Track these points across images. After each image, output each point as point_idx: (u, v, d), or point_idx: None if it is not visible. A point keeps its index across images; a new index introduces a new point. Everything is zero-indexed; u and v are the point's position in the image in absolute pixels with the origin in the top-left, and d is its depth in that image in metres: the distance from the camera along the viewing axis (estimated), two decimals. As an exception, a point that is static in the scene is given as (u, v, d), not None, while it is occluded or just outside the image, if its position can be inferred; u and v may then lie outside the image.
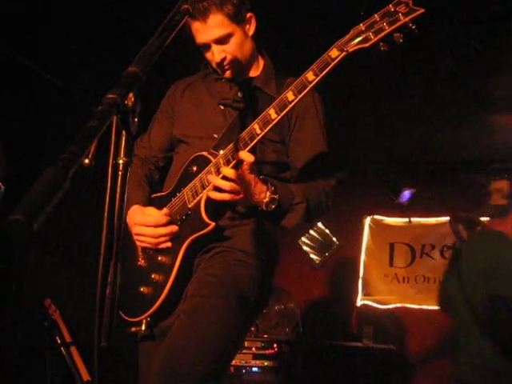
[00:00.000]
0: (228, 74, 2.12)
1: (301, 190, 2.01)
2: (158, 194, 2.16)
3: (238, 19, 2.02)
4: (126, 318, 2.02)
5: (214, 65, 2.11)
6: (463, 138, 5.73)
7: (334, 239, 6.67)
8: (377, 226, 6.63)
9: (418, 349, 5.93)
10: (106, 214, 0.91)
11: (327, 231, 6.65)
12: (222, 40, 2.02)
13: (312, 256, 6.72)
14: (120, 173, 0.96)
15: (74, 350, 4.45)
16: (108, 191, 0.93)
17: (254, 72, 2.20)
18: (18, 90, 4.60)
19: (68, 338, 4.50)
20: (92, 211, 2.69)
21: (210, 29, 1.99)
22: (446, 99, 5.06)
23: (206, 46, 2.06)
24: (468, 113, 5.28)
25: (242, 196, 1.84)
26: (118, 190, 0.93)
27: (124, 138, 0.97)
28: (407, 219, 6.50)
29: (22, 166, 4.57)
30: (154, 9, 3.77)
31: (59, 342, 4.52)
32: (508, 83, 4.66)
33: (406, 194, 6.29)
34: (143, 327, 1.96)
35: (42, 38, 4.21)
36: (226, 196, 1.85)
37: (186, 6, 1.31)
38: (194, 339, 1.81)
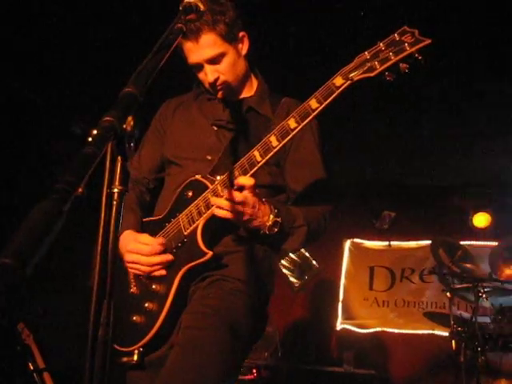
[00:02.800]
0: (221, 94, 2.07)
1: (302, 213, 1.95)
2: (151, 219, 2.07)
3: (230, 38, 1.99)
4: (117, 347, 1.93)
5: (207, 85, 2.06)
6: (444, 162, 5.79)
7: (314, 262, 6.62)
8: (357, 250, 6.61)
9: (398, 373, 5.88)
10: (99, 248, 0.83)
11: (307, 254, 6.60)
12: (215, 60, 1.98)
13: (291, 279, 6.66)
14: (115, 202, 0.89)
15: (47, 376, 4.30)
16: (102, 223, 0.86)
17: (248, 92, 2.16)
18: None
19: (41, 364, 4.35)
20: (71, 235, 2.61)
21: (202, 48, 1.95)
22: (428, 125, 5.12)
23: (199, 66, 2.02)
24: (450, 139, 5.34)
25: (246, 218, 1.78)
26: (113, 221, 0.86)
27: (119, 165, 0.90)
28: (387, 243, 6.51)
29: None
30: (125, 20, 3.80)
31: (32, 368, 4.36)
32: (491, 112, 4.74)
33: None
34: (135, 357, 1.88)
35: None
36: (230, 214, 1.78)
37: (179, 25, 1.28)
38: (191, 374, 1.73)
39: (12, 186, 5.05)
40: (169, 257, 1.89)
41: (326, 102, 1.70)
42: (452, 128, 5.15)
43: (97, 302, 0.80)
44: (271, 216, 1.81)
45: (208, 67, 1.99)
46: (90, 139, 0.82)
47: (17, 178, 5.09)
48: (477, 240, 6.04)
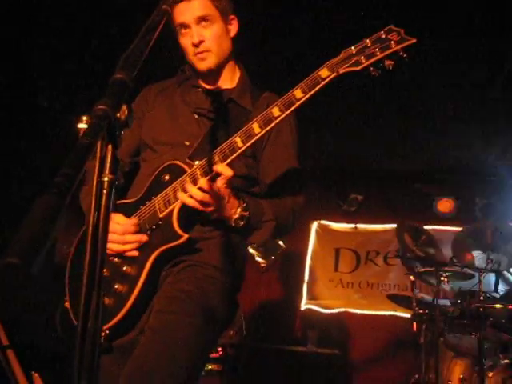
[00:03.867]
0: (201, 62, 2.05)
1: (271, 208, 1.98)
2: (125, 201, 2.04)
3: (222, 11, 2.02)
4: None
5: (190, 50, 2.03)
6: (412, 147, 5.87)
7: (280, 243, 6.67)
8: (323, 231, 6.69)
9: (361, 353, 6.02)
10: (89, 238, 0.82)
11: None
12: (204, 21, 1.99)
13: (258, 259, 6.70)
14: (105, 191, 0.88)
15: (10, 353, 4.24)
16: (92, 212, 0.85)
17: (230, 83, 2.16)
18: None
19: (5, 341, 4.27)
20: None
21: (193, 8, 1.97)
22: (396, 110, 5.17)
23: (185, 28, 2.01)
24: (417, 124, 5.41)
25: (212, 209, 1.80)
26: (103, 209, 0.85)
27: (110, 153, 0.89)
28: (353, 225, 6.60)
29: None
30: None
31: (-5, 344, 4.30)
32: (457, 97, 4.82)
33: None
34: (101, 340, 1.86)
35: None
36: (197, 205, 1.79)
37: (165, 7, 1.25)
38: (164, 358, 1.74)
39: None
40: (143, 237, 1.88)
41: (311, 93, 1.73)
42: (419, 113, 5.23)
43: (86, 292, 0.79)
44: (239, 209, 1.84)
45: (195, 28, 1.99)
46: (83, 129, 0.80)
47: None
48: (441, 225, 6.18)
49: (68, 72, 4.66)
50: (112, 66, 1.04)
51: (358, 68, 1.71)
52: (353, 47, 1.73)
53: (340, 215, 6.63)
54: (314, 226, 6.71)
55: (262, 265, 6.67)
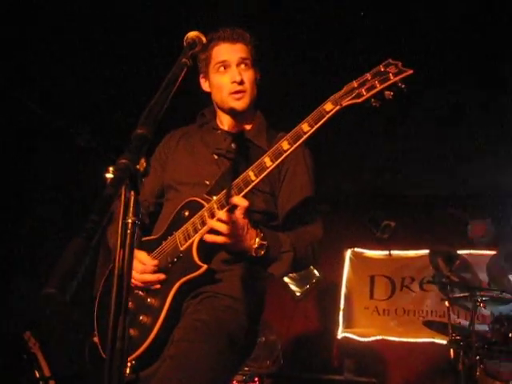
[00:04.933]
0: (237, 102, 2.17)
1: (289, 239, 2.05)
2: (149, 238, 2.16)
3: (255, 62, 2.20)
4: None
5: (228, 88, 2.16)
6: (443, 172, 5.87)
7: (315, 271, 6.70)
8: (357, 259, 6.70)
9: (398, 381, 5.95)
10: (116, 271, 0.95)
11: (308, 263, 6.67)
12: (243, 64, 2.15)
13: (293, 288, 6.74)
14: (129, 231, 1.01)
15: (52, 384, 4.39)
16: (118, 249, 0.98)
17: (248, 124, 2.29)
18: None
19: (47, 373, 4.44)
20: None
21: (237, 50, 2.16)
22: (428, 135, 5.21)
23: (226, 67, 2.15)
24: (448, 149, 5.43)
25: (233, 240, 1.89)
26: (127, 248, 0.98)
27: (133, 199, 1.02)
28: (387, 252, 6.59)
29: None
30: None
31: (38, 376, 4.46)
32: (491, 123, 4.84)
33: None
34: (127, 370, 1.92)
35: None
36: (219, 239, 1.89)
37: (184, 60, 1.39)
38: None
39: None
40: (161, 276, 1.98)
41: (317, 126, 1.83)
42: (450, 138, 5.25)
43: (114, 318, 0.91)
44: (257, 239, 1.93)
45: (237, 68, 2.15)
46: (108, 179, 0.94)
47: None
48: (475, 249, 6.12)
49: (104, 112, 4.90)
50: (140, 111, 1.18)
51: (360, 100, 1.80)
52: (354, 81, 1.83)
53: (373, 242, 6.64)
54: (348, 253, 6.73)
55: (297, 293, 6.70)
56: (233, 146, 2.20)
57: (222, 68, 2.16)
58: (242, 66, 2.15)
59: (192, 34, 1.57)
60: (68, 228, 5.00)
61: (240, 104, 2.17)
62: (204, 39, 1.58)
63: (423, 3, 3.53)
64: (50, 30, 3.79)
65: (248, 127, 2.28)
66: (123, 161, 1.02)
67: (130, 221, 1.03)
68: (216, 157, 2.21)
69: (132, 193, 1.02)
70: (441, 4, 3.52)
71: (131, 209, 1.02)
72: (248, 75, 2.16)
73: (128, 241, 0.99)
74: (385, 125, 4.93)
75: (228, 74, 2.15)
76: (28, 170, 5.23)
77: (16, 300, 4.83)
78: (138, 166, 1.03)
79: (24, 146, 5.06)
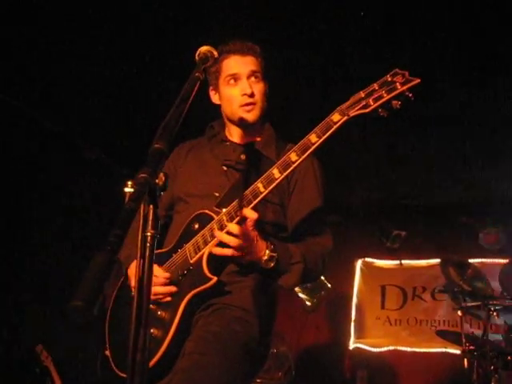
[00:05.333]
0: (248, 114, 2.18)
1: (299, 251, 2.05)
2: (160, 251, 2.16)
3: (264, 74, 2.21)
4: (122, 374, 2.00)
5: (238, 100, 2.17)
6: (453, 181, 5.86)
7: (326, 283, 6.68)
8: (368, 269, 6.67)
9: (411, 392, 5.90)
10: (137, 284, 0.97)
11: (319, 274, 6.65)
12: (253, 77, 2.17)
13: (302, 296, 6.72)
14: (148, 244, 1.03)
15: (64, 395, 4.40)
16: (138, 262, 1.00)
17: (258, 136, 2.30)
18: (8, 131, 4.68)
19: (58, 383, 4.45)
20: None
21: (247, 62, 2.17)
22: (437, 144, 5.21)
23: (236, 80, 2.17)
24: (459, 157, 5.43)
25: (242, 252, 1.90)
26: (147, 260, 1.00)
27: (151, 212, 1.04)
28: (398, 262, 6.56)
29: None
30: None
31: (50, 389, 4.47)
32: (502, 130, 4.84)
33: None
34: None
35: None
36: (228, 252, 1.90)
37: (197, 74, 1.41)
38: None
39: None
40: (172, 288, 1.99)
41: (325, 137, 1.84)
42: (461, 146, 5.25)
43: (135, 330, 0.93)
44: (267, 251, 1.93)
45: (248, 81, 2.16)
46: (128, 193, 0.96)
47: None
48: (487, 258, 6.08)
49: (115, 125, 4.94)
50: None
51: (368, 110, 1.80)
52: (361, 91, 1.84)
53: (384, 252, 6.61)
54: (359, 263, 6.71)
55: (308, 304, 6.68)
56: (242, 157, 2.22)
57: (232, 81, 2.18)
58: (253, 78, 2.16)
59: (204, 49, 1.60)
60: (78, 246, 5.03)
61: (250, 116, 2.19)
62: (216, 53, 1.61)
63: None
64: (61, 39, 3.84)
65: (257, 139, 2.29)
66: (142, 175, 1.04)
67: (149, 234, 1.05)
68: (225, 168, 2.22)
69: (151, 206, 1.04)
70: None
71: (150, 222, 1.04)
72: (258, 87, 2.17)
73: (147, 253, 1.01)
74: (395, 132, 4.94)
75: (238, 87, 2.16)
76: (34, 185, 5.27)
77: (27, 315, 4.85)
78: (156, 181, 1.05)
79: (29, 160, 5.10)
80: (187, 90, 1.32)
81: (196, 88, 1.36)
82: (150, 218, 1.04)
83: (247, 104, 2.17)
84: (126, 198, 0.96)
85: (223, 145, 2.30)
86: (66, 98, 4.58)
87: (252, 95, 2.15)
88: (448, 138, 5.12)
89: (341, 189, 5.79)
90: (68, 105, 4.70)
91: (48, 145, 5.10)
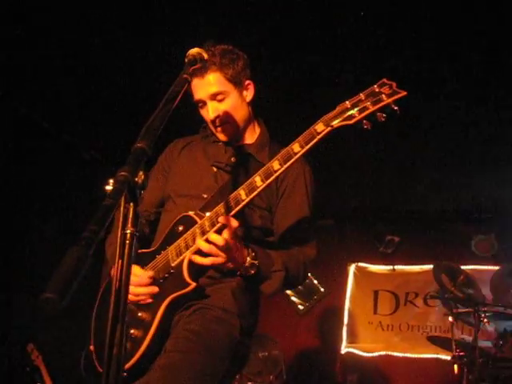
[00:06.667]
0: (221, 134, 2.19)
1: (281, 259, 2.06)
2: (144, 251, 2.17)
3: (235, 82, 2.13)
4: (101, 370, 2.01)
5: (209, 123, 2.19)
6: (447, 188, 5.88)
7: (319, 287, 6.70)
8: (361, 274, 6.69)
9: (402, 397, 5.91)
10: (114, 281, 0.98)
11: (312, 278, 6.69)
12: (217, 97, 2.12)
13: (297, 303, 6.74)
14: (127, 242, 1.04)
15: (55, 396, 4.39)
16: (117, 259, 1.01)
17: (250, 139, 2.29)
18: (4, 130, 4.69)
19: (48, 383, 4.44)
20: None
21: (206, 85, 2.10)
22: (430, 151, 5.24)
23: (203, 103, 2.15)
24: (452, 165, 5.45)
25: (221, 261, 1.90)
26: (125, 257, 1.01)
27: (131, 210, 1.06)
28: (391, 267, 6.58)
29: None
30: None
31: (40, 388, 4.46)
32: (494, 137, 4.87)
33: None
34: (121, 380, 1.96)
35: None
36: (207, 261, 1.90)
37: (185, 76, 1.42)
38: None
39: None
40: (154, 289, 1.99)
41: (307, 147, 1.82)
42: (454, 154, 5.28)
43: (112, 325, 0.94)
44: (248, 258, 1.94)
45: (210, 104, 2.12)
46: (108, 191, 0.98)
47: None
48: (479, 265, 6.10)
49: (110, 125, 4.96)
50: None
51: (351, 122, 1.78)
52: (347, 101, 1.81)
53: (377, 257, 6.63)
54: (352, 268, 6.72)
55: (301, 308, 6.69)
56: (232, 159, 2.21)
57: (200, 104, 2.17)
58: (218, 96, 2.12)
59: (193, 51, 1.60)
60: (69, 244, 5.02)
61: (223, 136, 2.20)
62: (206, 56, 1.61)
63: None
64: (59, 41, 3.86)
65: (250, 141, 2.29)
66: (122, 173, 1.06)
67: (128, 231, 1.06)
68: (215, 169, 2.22)
69: (131, 204, 1.06)
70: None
71: (130, 220, 1.05)
72: (225, 106, 2.13)
73: (126, 251, 1.02)
74: (390, 137, 4.97)
75: (205, 111, 2.16)
76: (30, 184, 5.27)
77: (17, 313, 4.85)
78: (136, 179, 1.07)
79: (26, 160, 5.11)
80: (173, 92, 1.33)
81: (183, 90, 1.37)
82: (130, 215, 1.05)
83: (215, 127, 2.17)
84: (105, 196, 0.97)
85: (215, 145, 2.30)
86: (62, 96, 4.60)
87: (216, 119, 2.13)
88: (443, 144, 5.15)
89: (335, 193, 5.81)
90: (64, 104, 4.72)
91: (44, 143, 5.11)
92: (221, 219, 1.87)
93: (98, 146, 5.41)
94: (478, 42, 3.68)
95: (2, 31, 3.68)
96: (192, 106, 2.18)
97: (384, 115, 1.75)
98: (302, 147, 1.83)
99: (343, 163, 5.47)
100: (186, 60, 1.55)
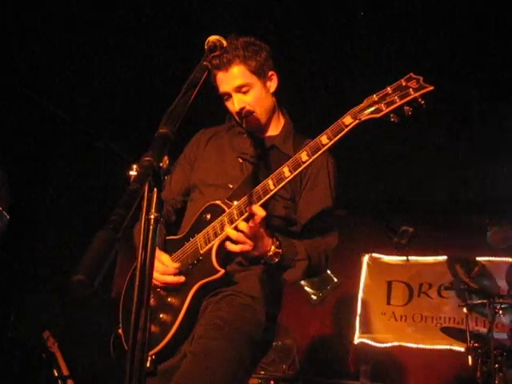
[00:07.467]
0: (246, 124, 2.23)
1: (304, 248, 2.11)
2: (173, 237, 2.24)
3: (259, 73, 2.17)
4: None
5: (234, 114, 2.23)
6: (462, 178, 5.84)
7: (333, 276, 6.69)
8: (375, 264, 6.67)
9: (415, 388, 5.90)
10: (138, 266, 0.99)
11: (326, 268, 6.67)
12: (242, 89, 2.15)
13: (310, 293, 6.74)
14: (151, 227, 1.05)
15: (71, 383, 4.44)
16: (141, 244, 1.02)
17: (274, 130, 2.32)
18: (21, 119, 4.72)
19: (66, 372, 4.50)
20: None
21: (231, 78, 2.14)
22: (444, 144, 5.20)
23: (228, 96, 2.19)
24: (468, 155, 5.41)
25: (250, 248, 1.95)
26: (150, 242, 1.02)
27: (155, 195, 1.06)
28: (405, 258, 6.55)
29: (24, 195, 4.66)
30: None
31: (56, 374, 4.52)
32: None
33: None
34: (148, 364, 2.01)
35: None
36: (236, 248, 1.95)
37: (205, 63, 1.43)
38: (204, 380, 1.88)
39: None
40: (181, 278, 2.06)
41: (336, 139, 1.86)
42: (469, 144, 5.23)
43: (137, 310, 0.95)
44: (273, 247, 1.99)
45: (235, 96, 2.16)
46: (132, 176, 0.99)
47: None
48: (494, 256, 6.06)
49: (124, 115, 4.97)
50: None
51: (379, 115, 1.81)
52: (375, 95, 1.84)
53: (391, 248, 6.59)
54: (366, 258, 6.71)
55: (314, 298, 6.70)
56: (258, 151, 2.25)
57: (226, 96, 2.21)
58: (243, 89, 2.16)
59: (213, 38, 1.61)
60: (83, 237, 5.07)
61: (250, 125, 2.23)
62: (225, 43, 1.61)
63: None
64: (76, 34, 3.87)
65: (275, 132, 2.32)
66: (147, 158, 1.07)
67: (152, 217, 1.07)
68: (241, 161, 2.26)
69: (155, 189, 1.06)
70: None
71: (154, 205, 1.06)
72: (250, 98, 2.17)
73: (150, 235, 1.03)
74: (405, 130, 4.93)
75: (231, 103, 2.20)
76: (46, 176, 5.31)
77: (33, 302, 4.90)
78: (161, 164, 1.08)
79: (42, 153, 5.14)
80: (194, 78, 1.33)
81: (204, 77, 1.37)
82: (154, 200, 1.06)
83: (241, 118, 2.21)
84: (130, 180, 0.98)
85: (241, 136, 2.34)
86: (77, 86, 4.61)
87: (241, 110, 2.17)
88: (457, 136, 5.10)
89: (349, 184, 5.78)
90: (79, 94, 4.73)
91: (59, 132, 5.14)
92: (249, 208, 1.91)
93: (113, 135, 5.43)
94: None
95: (20, 21, 3.70)
96: (213, 96, 2.19)
97: (411, 109, 1.77)
98: (329, 139, 1.86)
99: (358, 154, 5.45)
100: (206, 47, 1.56)
